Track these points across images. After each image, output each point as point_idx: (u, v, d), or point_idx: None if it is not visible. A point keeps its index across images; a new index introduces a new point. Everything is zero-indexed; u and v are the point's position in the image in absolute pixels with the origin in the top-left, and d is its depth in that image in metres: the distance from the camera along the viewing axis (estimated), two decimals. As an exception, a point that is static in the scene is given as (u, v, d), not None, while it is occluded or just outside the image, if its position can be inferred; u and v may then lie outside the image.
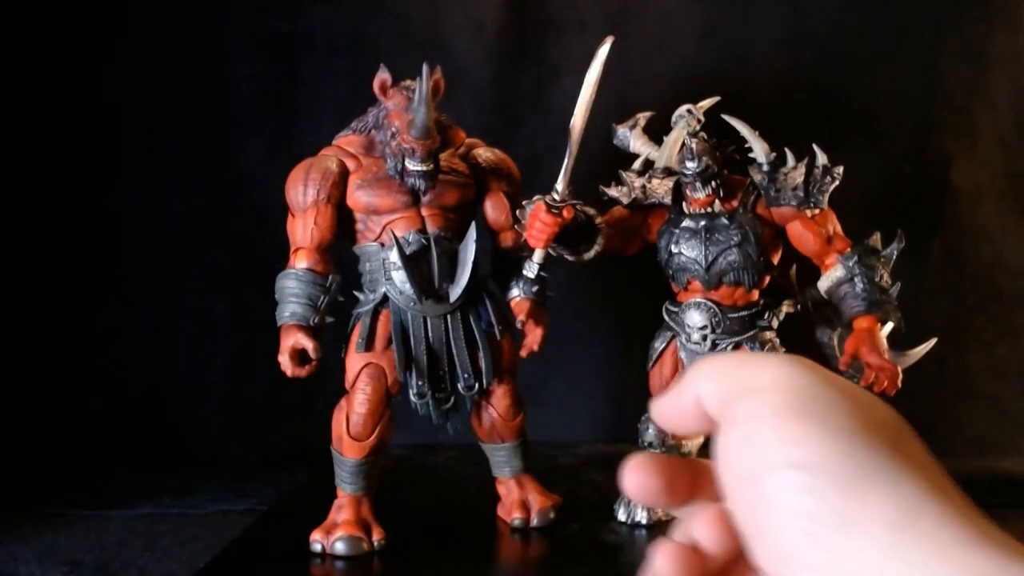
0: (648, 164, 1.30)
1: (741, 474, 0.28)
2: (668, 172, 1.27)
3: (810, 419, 0.27)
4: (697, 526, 0.31)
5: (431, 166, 1.16)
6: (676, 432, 0.33)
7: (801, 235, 1.23)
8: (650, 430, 1.28)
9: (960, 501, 0.26)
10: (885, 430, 0.27)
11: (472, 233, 1.19)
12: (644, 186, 1.28)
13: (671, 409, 0.32)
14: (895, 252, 1.22)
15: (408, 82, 1.19)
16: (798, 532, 0.25)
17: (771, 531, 0.26)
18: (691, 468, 0.33)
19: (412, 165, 1.15)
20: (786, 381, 0.28)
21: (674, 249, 1.25)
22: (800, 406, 0.27)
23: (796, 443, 0.26)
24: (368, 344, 1.18)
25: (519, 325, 1.24)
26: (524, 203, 1.22)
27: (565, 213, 1.16)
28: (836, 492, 0.25)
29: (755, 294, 1.25)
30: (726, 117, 1.25)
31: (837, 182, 1.21)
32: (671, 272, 1.27)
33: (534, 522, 1.23)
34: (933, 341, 1.26)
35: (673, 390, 0.32)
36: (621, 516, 1.26)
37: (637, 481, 0.32)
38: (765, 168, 1.23)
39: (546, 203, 1.16)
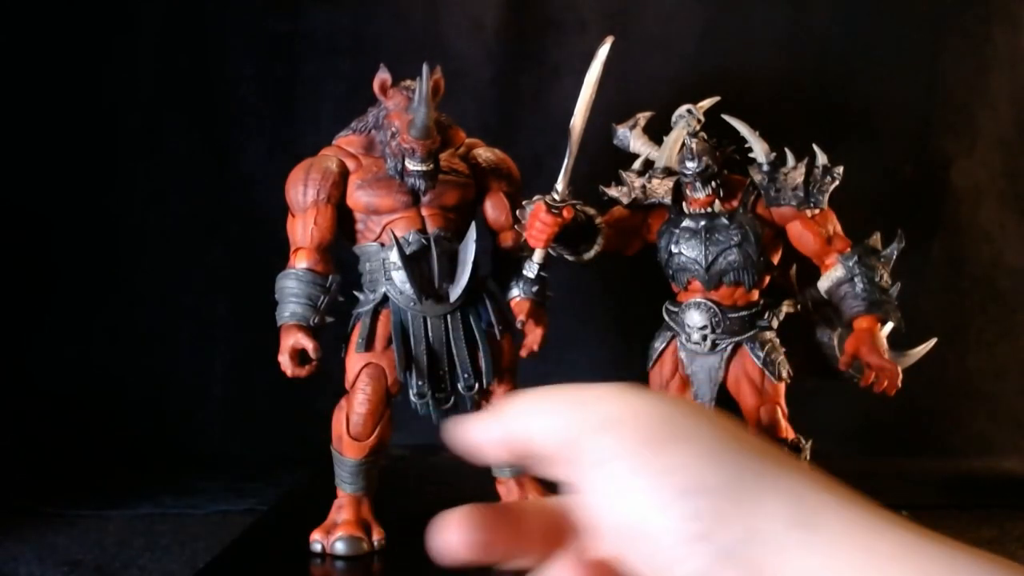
0: (648, 164, 1.30)
1: (622, 515, 0.26)
2: (668, 172, 1.27)
3: (680, 442, 0.26)
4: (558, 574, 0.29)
5: (431, 166, 1.16)
6: (478, 460, 0.31)
7: (801, 235, 1.23)
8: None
9: (846, 490, 0.25)
10: (750, 440, 0.27)
11: (472, 233, 1.19)
12: (644, 186, 1.28)
13: (483, 438, 0.30)
14: (895, 252, 1.22)
15: (408, 82, 1.19)
16: (705, 557, 0.24)
17: (674, 564, 0.25)
18: (519, 512, 0.30)
19: (412, 165, 1.15)
20: (639, 410, 0.27)
21: (674, 249, 1.25)
22: (665, 431, 0.26)
23: (675, 469, 0.25)
24: (368, 344, 1.18)
25: (519, 325, 1.24)
26: (524, 203, 1.22)
27: (565, 213, 1.16)
28: (732, 508, 0.25)
29: (755, 294, 1.25)
30: (726, 117, 1.25)
31: (837, 182, 1.22)
32: (671, 272, 1.27)
33: (534, 522, 1.23)
34: (933, 341, 1.27)
35: (489, 418, 0.30)
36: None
37: (462, 539, 0.28)
38: (765, 168, 1.23)
39: (546, 203, 1.16)
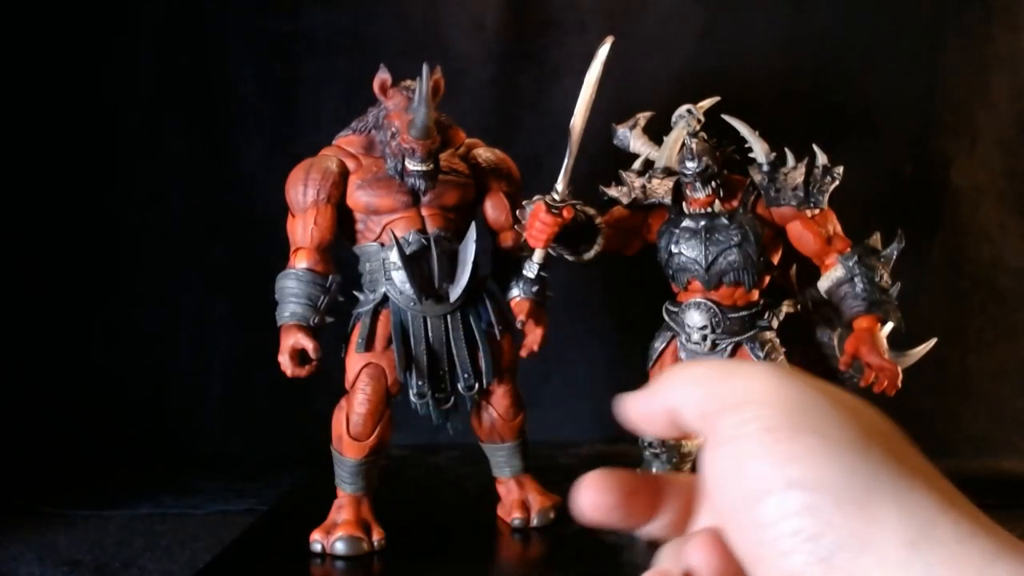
0: (648, 164, 1.31)
1: (735, 496, 0.26)
2: (668, 172, 1.27)
3: (806, 433, 0.25)
4: (689, 550, 0.29)
5: (431, 166, 1.16)
6: (641, 433, 0.32)
7: (801, 235, 1.23)
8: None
9: (970, 509, 0.24)
10: (884, 440, 0.26)
11: (472, 233, 1.19)
12: (644, 186, 1.28)
13: (640, 412, 0.31)
14: (895, 252, 1.22)
15: (408, 82, 1.19)
16: (805, 556, 0.24)
17: (775, 557, 0.24)
18: (654, 484, 0.31)
19: (412, 165, 1.15)
20: (775, 393, 0.26)
21: (674, 249, 1.25)
22: (794, 419, 0.26)
23: (793, 460, 0.25)
24: (368, 344, 1.18)
25: (519, 325, 1.24)
26: (524, 203, 1.22)
27: (565, 213, 1.16)
28: (842, 511, 0.24)
29: (755, 294, 1.25)
30: (726, 117, 1.25)
31: (837, 182, 1.22)
32: (671, 272, 1.27)
33: (534, 522, 1.23)
34: (933, 341, 1.27)
35: (645, 392, 0.31)
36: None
37: (591, 500, 0.30)
38: (765, 168, 1.23)
39: (546, 203, 1.16)
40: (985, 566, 0.22)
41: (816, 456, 0.25)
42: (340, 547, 1.13)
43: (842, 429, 0.25)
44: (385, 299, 1.19)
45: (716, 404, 0.28)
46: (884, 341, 1.19)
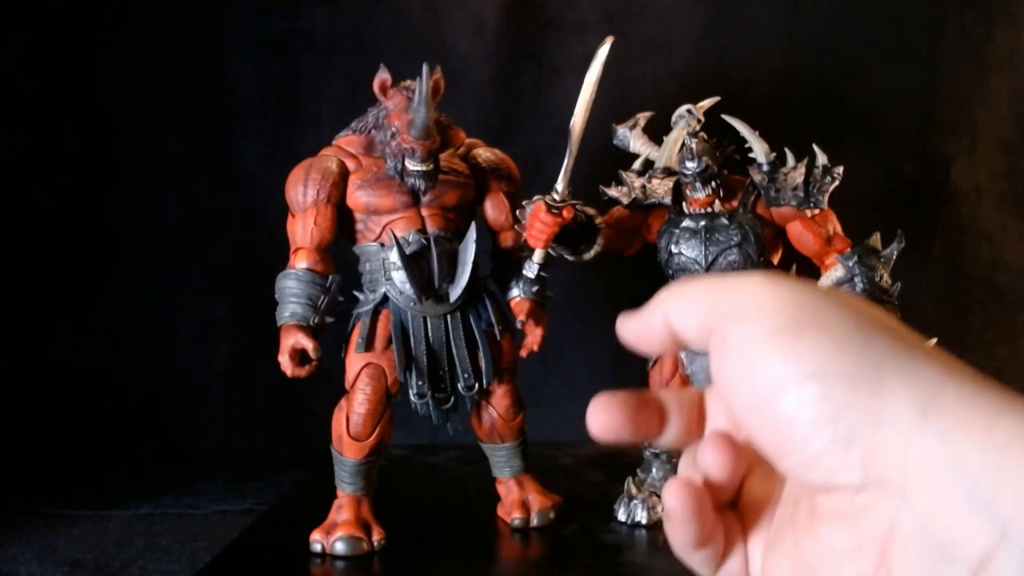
0: (648, 164, 1.31)
1: (751, 398, 0.28)
2: (668, 172, 1.27)
3: (809, 330, 0.27)
4: (702, 454, 0.32)
5: (431, 166, 1.16)
6: (640, 351, 0.34)
7: (801, 235, 1.23)
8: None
9: (972, 373, 0.26)
10: (882, 324, 0.27)
11: (472, 233, 1.19)
12: (644, 186, 1.28)
13: (638, 332, 0.33)
14: (895, 252, 1.22)
15: (408, 82, 1.19)
16: (826, 439, 0.25)
17: (798, 446, 0.26)
18: (658, 399, 0.34)
19: (412, 165, 1.15)
20: (775, 298, 0.28)
21: (674, 249, 1.25)
22: (796, 319, 0.27)
23: (801, 356, 0.26)
24: (368, 344, 1.18)
25: (519, 325, 1.24)
26: (524, 203, 1.22)
27: (565, 213, 1.16)
28: (854, 392, 0.25)
29: (755, 294, 1.25)
30: (726, 117, 1.25)
31: (837, 182, 1.22)
32: (671, 272, 1.27)
33: (534, 522, 1.23)
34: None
35: (641, 313, 0.33)
36: (621, 516, 1.26)
37: (600, 421, 0.33)
38: (765, 168, 1.23)
39: (546, 203, 1.16)
40: (991, 422, 0.24)
41: (822, 348, 0.26)
42: (340, 547, 1.13)
43: (843, 320, 0.27)
44: (385, 299, 1.19)
45: (718, 316, 0.29)
46: (884, 341, 1.19)
